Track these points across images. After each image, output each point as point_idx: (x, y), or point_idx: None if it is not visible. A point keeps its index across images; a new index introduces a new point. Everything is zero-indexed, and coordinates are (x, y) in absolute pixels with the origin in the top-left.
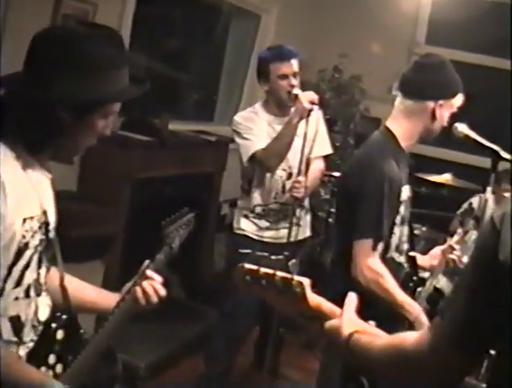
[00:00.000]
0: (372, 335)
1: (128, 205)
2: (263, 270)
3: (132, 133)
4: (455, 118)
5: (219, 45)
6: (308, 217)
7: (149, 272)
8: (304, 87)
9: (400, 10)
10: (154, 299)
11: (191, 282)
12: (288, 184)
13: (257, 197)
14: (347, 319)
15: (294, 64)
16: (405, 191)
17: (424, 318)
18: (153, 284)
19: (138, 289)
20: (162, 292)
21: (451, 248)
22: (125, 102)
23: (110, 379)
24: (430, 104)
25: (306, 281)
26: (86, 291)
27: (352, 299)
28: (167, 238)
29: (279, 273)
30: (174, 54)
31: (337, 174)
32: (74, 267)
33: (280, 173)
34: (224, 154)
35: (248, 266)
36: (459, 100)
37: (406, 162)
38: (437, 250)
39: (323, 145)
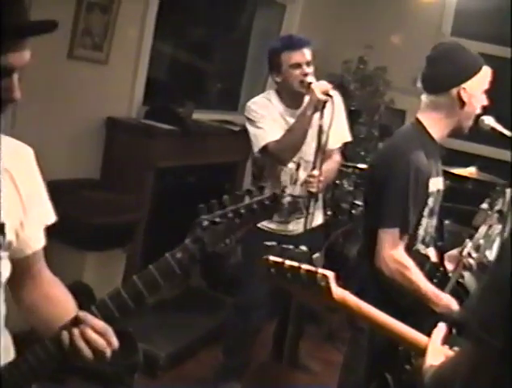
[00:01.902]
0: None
1: (150, 194)
2: (288, 263)
3: (156, 122)
4: (488, 93)
5: (243, 35)
6: (319, 205)
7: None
8: (328, 78)
9: (426, 1)
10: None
11: (212, 272)
12: (297, 176)
13: (268, 189)
14: (432, 349)
15: (306, 52)
16: (435, 184)
17: (454, 309)
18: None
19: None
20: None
21: (468, 254)
22: (149, 90)
23: (130, 368)
24: (454, 92)
25: (331, 274)
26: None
27: (441, 329)
28: None
29: (304, 266)
30: (199, 43)
31: (361, 165)
32: (97, 254)
33: (291, 165)
34: (247, 144)
35: (273, 259)
36: (485, 75)
37: (438, 154)
38: (455, 252)
39: (340, 136)
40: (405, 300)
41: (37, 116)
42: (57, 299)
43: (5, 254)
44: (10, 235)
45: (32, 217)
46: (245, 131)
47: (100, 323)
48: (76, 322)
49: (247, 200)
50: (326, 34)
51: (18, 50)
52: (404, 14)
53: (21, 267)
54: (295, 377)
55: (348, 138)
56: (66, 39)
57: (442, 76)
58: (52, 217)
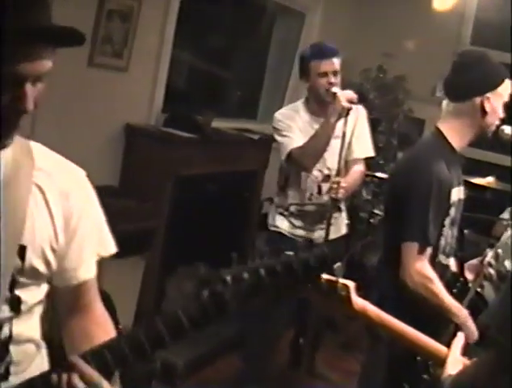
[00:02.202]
0: None
1: (169, 202)
2: None
3: (175, 130)
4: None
5: (263, 43)
6: (344, 216)
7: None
8: (347, 87)
9: (445, 10)
10: None
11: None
12: (324, 186)
13: (292, 195)
14: (453, 358)
15: (335, 62)
16: (456, 193)
17: (471, 323)
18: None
19: None
20: None
21: (488, 264)
22: (168, 98)
23: (147, 375)
24: (477, 100)
25: (351, 284)
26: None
27: (460, 339)
28: None
29: (325, 276)
30: (218, 52)
31: (379, 174)
32: (115, 262)
33: (316, 173)
34: (266, 153)
35: None
36: (507, 87)
37: (458, 164)
38: (475, 262)
39: (364, 147)
40: (425, 310)
41: (56, 123)
42: (98, 341)
43: (29, 280)
44: (35, 261)
45: (80, 244)
46: (264, 139)
47: (89, 373)
48: (68, 367)
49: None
50: (345, 42)
51: (31, 59)
52: (424, 22)
53: (66, 297)
54: (312, 385)
55: (371, 153)
56: (86, 46)
57: (467, 84)
58: (109, 248)
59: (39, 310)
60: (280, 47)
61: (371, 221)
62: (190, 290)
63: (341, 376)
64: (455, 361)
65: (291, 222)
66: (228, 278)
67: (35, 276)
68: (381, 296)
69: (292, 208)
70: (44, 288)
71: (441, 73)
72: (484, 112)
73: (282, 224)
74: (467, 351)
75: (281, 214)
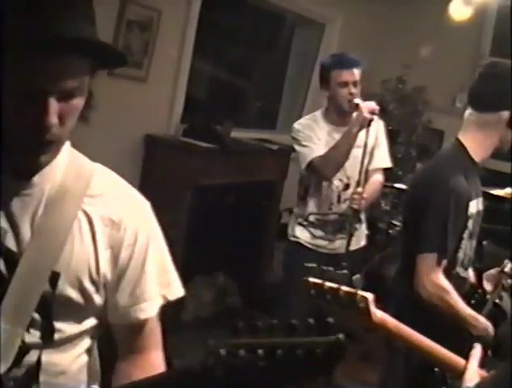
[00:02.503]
0: None
1: (188, 211)
2: (328, 284)
3: (195, 140)
4: None
5: (282, 54)
6: (364, 227)
7: None
8: (367, 97)
9: (464, 21)
10: None
11: (250, 290)
12: (344, 195)
13: (312, 205)
14: (470, 371)
15: (355, 72)
16: (475, 205)
17: (491, 332)
18: None
19: None
20: None
21: (507, 275)
22: (188, 108)
23: None
24: (505, 114)
25: (370, 296)
26: None
27: (477, 351)
28: None
29: (344, 288)
30: (238, 62)
31: (398, 185)
32: None
33: (337, 183)
34: (285, 163)
35: (313, 280)
36: None
37: (478, 175)
38: (493, 272)
39: (383, 158)
40: (442, 322)
41: (76, 133)
42: None
43: (63, 309)
44: (69, 289)
45: (133, 281)
46: (283, 150)
47: None
48: None
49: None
50: (365, 53)
51: (52, 74)
52: (443, 34)
53: (119, 336)
54: None
55: (389, 164)
56: None
57: (497, 95)
58: (174, 291)
59: (83, 344)
60: (299, 58)
61: (390, 231)
62: (208, 299)
63: (359, 386)
64: (473, 373)
65: (311, 232)
66: (223, 352)
67: (69, 305)
68: (398, 307)
69: (312, 218)
70: (89, 321)
71: (460, 84)
72: (510, 126)
73: (301, 234)
74: (484, 363)
75: (301, 224)
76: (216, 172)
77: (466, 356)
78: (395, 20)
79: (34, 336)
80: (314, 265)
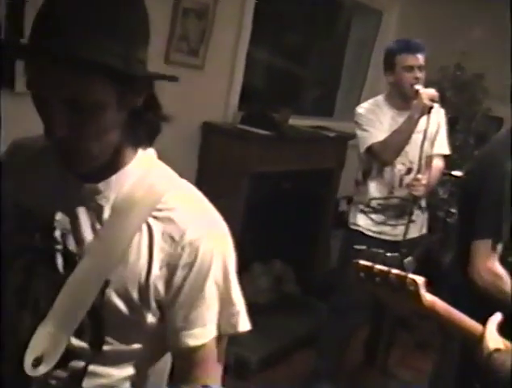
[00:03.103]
0: None
1: (245, 199)
2: (378, 267)
3: (252, 127)
4: None
5: (340, 41)
6: (425, 216)
7: None
8: (425, 85)
9: None
10: None
11: (306, 277)
12: (406, 179)
13: (373, 190)
14: (490, 334)
15: (420, 57)
16: None
17: None
18: None
19: None
20: None
21: None
22: (244, 96)
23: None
24: None
25: (420, 280)
26: None
27: (497, 317)
28: None
29: (394, 271)
30: (295, 50)
31: (456, 173)
32: None
33: (400, 167)
34: (343, 151)
35: (363, 263)
36: None
37: None
38: None
39: (442, 145)
40: (498, 310)
41: None
42: None
43: (112, 319)
44: (115, 298)
45: (187, 305)
46: (340, 137)
47: None
48: None
49: None
50: (423, 40)
51: (52, 82)
52: (502, 20)
53: (175, 362)
54: (385, 384)
55: (447, 151)
56: (163, 44)
57: None
58: (238, 325)
59: (134, 363)
60: (357, 45)
61: (448, 220)
62: (265, 286)
63: (414, 375)
64: (495, 337)
65: (372, 219)
66: None
67: (118, 317)
68: (453, 294)
69: (374, 203)
70: (140, 338)
71: None
72: None
73: (362, 222)
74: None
75: (362, 211)
76: (273, 159)
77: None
78: (453, 7)
79: (82, 343)
80: (364, 247)
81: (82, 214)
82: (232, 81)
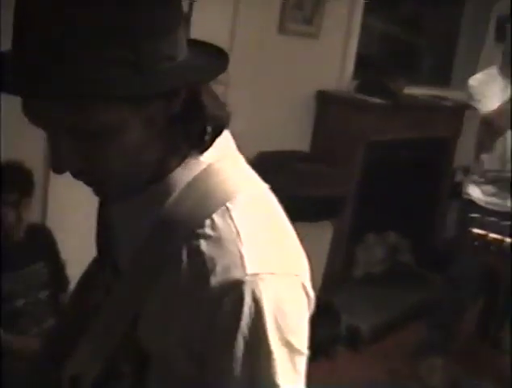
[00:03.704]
0: None
1: (360, 167)
2: (492, 235)
3: (367, 96)
4: None
5: (456, 8)
6: None
7: None
8: None
9: None
10: None
11: (422, 248)
12: None
13: (486, 162)
14: None
15: None
16: None
17: None
18: None
19: None
20: None
21: None
22: (359, 64)
23: (332, 338)
24: None
25: None
26: None
27: None
28: None
29: (508, 239)
30: (410, 18)
31: None
32: (302, 225)
33: None
34: (459, 120)
35: (477, 231)
36: None
37: None
38: None
39: None
40: None
41: (249, 89)
42: None
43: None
44: (145, 337)
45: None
46: (457, 107)
47: None
48: None
49: None
50: None
51: (36, 111)
52: None
53: None
54: (497, 360)
55: None
56: (277, 13)
57: None
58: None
59: None
60: (474, 12)
61: None
62: (379, 256)
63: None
64: None
65: (484, 190)
66: None
67: (136, 349)
68: None
69: (488, 175)
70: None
71: None
72: None
73: (475, 192)
74: None
75: (475, 182)
76: (389, 128)
77: None
78: None
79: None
80: (478, 215)
81: (120, 230)
82: (347, 49)
